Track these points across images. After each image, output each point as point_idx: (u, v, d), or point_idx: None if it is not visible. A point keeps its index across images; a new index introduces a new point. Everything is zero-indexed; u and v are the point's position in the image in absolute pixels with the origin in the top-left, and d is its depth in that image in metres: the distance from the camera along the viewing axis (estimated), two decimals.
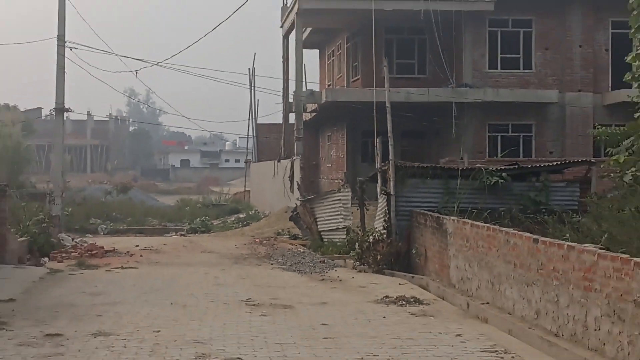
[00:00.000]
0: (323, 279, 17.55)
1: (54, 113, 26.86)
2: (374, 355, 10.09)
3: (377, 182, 20.77)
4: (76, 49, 26.10)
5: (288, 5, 37.55)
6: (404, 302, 14.19)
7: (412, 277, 17.66)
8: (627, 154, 18.68)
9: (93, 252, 21.45)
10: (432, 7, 31.28)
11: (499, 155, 31.78)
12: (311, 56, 45.47)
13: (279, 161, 37.06)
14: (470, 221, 15.47)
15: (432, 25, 31.10)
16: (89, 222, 35.19)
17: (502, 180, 18.90)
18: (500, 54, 33.35)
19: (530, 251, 12.45)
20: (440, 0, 31.91)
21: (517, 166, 19.75)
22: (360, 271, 18.74)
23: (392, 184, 19.02)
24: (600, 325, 10.26)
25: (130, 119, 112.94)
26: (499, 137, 33.10)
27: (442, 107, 32.30)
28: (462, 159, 29.40)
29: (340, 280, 17.35)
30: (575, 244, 11.28)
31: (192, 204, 44.87)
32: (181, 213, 40.70)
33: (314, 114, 38.66)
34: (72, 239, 24.27)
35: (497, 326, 12.68)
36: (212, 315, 12.93)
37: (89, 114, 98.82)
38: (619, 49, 33.30)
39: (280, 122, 42.20)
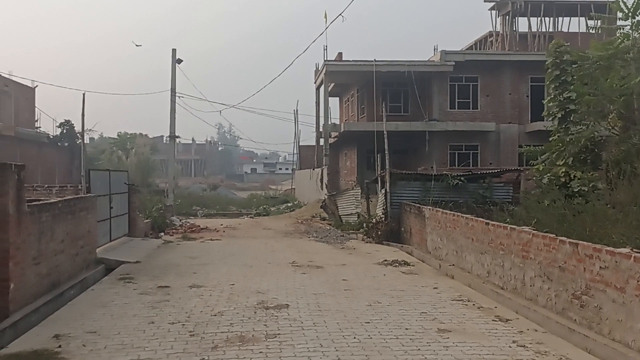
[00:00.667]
0: (343, 248, 16.78)
1: (168, 139, 26.28)
2: (379, 303, 9.39)
3: (378, 183, 20.00)
4: (183, 97, 25.72)
5: (319, 68, 37.13)
6: (397, 264, 13.44)
7: (402, 246, 16.87)
8: (543, 164, 17.95)
9: (193, 229, 20.85)
10: (413, 69, 31.00)
11: (457, 165, 31.31)
12: (333, 102, 44.88)
13: (313, 169, 36.45)
14: (441, 210, 14.67)
15: (412, 80, 30.81)
16: (191, 208, 34.64)
17: (460, 182, 18.08)
18: (457, 99, 32.45)
19: (483, 230, 11.64)
20: (417, 65, 31.64)
21: (470, 172, 18.90)
22: (367, 242, 17.96)
23: (388, 184, 18.25)
24: (534, 282, 9.47)
25: (219, 142, 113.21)
26: (456, 153, 32.27)
27: (419, 134, 31.61)
28: (432, 167, 29.01)
29: (354, 248, 16.59)
30: (516, 226, 10.48)
31: (258, 197, 44.14)
32: (250, 203, 40.01)
33: (335, 139, 37.92)
34: (180, 220, 23.67)
35: (461, 281, 11.90)
36: (269, 273, 12.26)
37: (192, 139, 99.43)
38: (535, 95, 32.47)
39: (314, 144, 42.04)
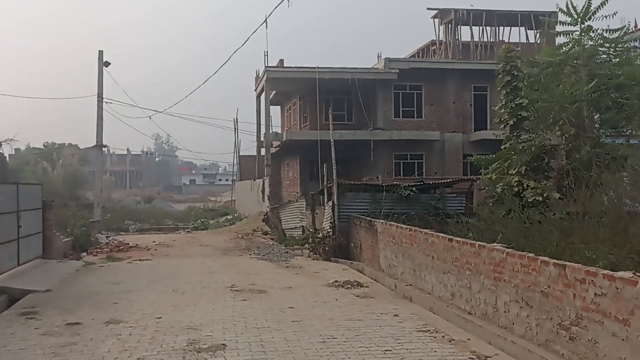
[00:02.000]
0: (287, 266, 15.20)
1: (95, 148, 24.03)
2: (334, 338, 7.86)
3: (324, 195, 18.62)
4: (111, 103, 23.53)
5: (259, 75, 35.59)
6: (349, 286, 11.98)
7: (351, 263, 15.48)
8: (494, 173, 17.14)
9: (120, 247, 18.67)
10: (356, 77, 30.02)
11: (402, 175, 30.52)
12: (275, 111, 43.33)
13: (254, 180, 34.75)
14: (395, 223, 13.38)
15: (357, 88, 29.83)
16: (124, 223, 32.17)
17: (412, 192, 16.92)
18: (401, 107, 31.67)
19: (446, 247, 10.39)
20: (361, 72, 30.69)
21: (422, 182, 17.78)
22: (314, 259, 16.47)
23: (335, 196, 16.87)
24: (509, 308, 8.24)
25: (156, 153, 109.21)
26: (401, 163, 31.49)
27: (363, 143, 30.58)
28: (377, 177, 28.12)
29: (300, 267, 15.06)
30: (485, 243, 9.28)
31: (196, 209, 41.91)
32: (188, 216, 37.78)
33: (277, 149, 36.39)
34: (107, 237, 21.40)
35: (421, 304, 10.58)
36: (204, 301, 10.52)
37: (127, 150, 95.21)
38: (478, 104, 32.16)
39: (255, 154, 40.59)
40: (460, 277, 9.75)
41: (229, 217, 35.66)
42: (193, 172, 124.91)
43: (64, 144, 51.17)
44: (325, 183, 18.70)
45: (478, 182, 18.23)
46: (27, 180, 40.95)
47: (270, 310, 9.70)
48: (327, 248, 16.22)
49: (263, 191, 30.98)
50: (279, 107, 42.99)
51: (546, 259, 7.45)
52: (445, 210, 17.00)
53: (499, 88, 17.65)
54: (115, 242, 20.23)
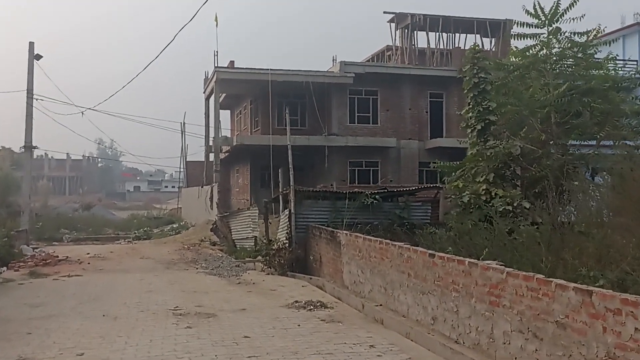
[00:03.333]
0: (239, 283, 13.41)
1: (23, 149, 21.48)
2: None
3: (279, 203, 16.98)
4: (42, 100, 21.11)
5: (209, 77, 33.66)
6: (312, 307, 10.35)
7: (310, 278, 13.87)
8: (457, 181, 16.01)
9: (47, 261, 16.28)
10: (310, 80, 28.66)
11: (357, 182, 29.27)
12: (224, 115, 41.30)
13: (202, 187, 32.66)
14: (362, 235, 11.88)
15: (311, 92, 28.44)
16: (58, 232, 29.43)
17: (376, 201, 15.51)
18: (357, 112, 30.45)
19: (426, 264, 8.94)
20: (316, 75, 29.32)
21: (386, 190, 16.38)
22: (268, 274, 14.78)
23: (292, 204, 15.27)
24: (510, 339, 6.84)
25: (98, 158, 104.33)
26: (356, 170, 30.22)
27: (317, 149, 29.17)
28: (332, 185, 26.82)
29: (254, 283, 13.31)
30: (477, 260, 7.89)
31: (139, 217, 39.20)
32: (130, 224, 35.16)
33: (226, 154, 34.42)
34: (33, 249, 18.94)
35: (396, 329, 9.08)
36: (140, 330, 8.66)
37: (67, 155, 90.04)
38: (434, 111, 31.34)
39: (202, 159, 38.62)
40: (444, 299, 8.32)
41: (174, 226, 33.39)
42: (138, 178, 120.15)
43: None
44: (280, 189, 17.07)
45: (443, 190, 17.02)
46: None
47: (221, 341, 7.97)
48: (283, 261, 14.57)
49: (211, 198, 29.01)
50: (229, 111, 41.06)
51: (563, 282, 6.08)
52: (410, 219, 15.70)
53: (465, 91, 16.50)
54: (43, 254, 17.83)
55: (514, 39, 17.67)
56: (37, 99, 20.78)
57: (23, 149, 21.45)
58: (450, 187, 16.47)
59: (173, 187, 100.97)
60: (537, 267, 8.79)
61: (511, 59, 17.61)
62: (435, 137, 30.77)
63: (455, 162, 18.13)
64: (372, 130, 30.54)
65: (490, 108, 15.80)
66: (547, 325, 6.16)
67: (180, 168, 44.20)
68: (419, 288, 9.09)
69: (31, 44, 20.88)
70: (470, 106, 16.17)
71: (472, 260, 7.86)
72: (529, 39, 17.11)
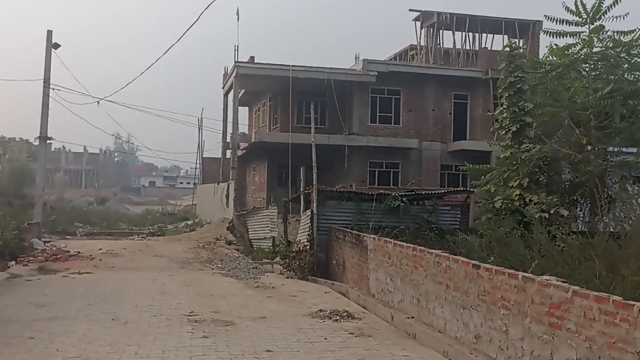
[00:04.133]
0: (258, 286, 12.50)
1: (38, 140, 20.82)
2: None
3: (299, 202, 16.11)
4: (59, 90, 20.46)
5: (228, 72, 32.92)
6: (338, 317, 9.43)
7: (333, 283, 12.97)
8: (487, 185, 15.06)
9: (57, 256, 15.50)
10: (332, 77, 27.77)
11: (377, 184, 28.40)
12: (243, 112, 40.58)
13: (218, 184, 31.91)
14: (392, 240, 10.97)
15: (332, 90, 27.57)
16: (72, 225, 28.84)
17: (403, 204, 14.58)
18: (378, 112, 29.56)
19: (468, 276, 8.00)
20: (338, 73, 28.41)
21: (414, 192, 15.42)
22: (287, 277, 13.88)
23: (314, 204, 14.39)
24: None
25: (115, 153, 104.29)
26: (376, 171, 29.33)
27: (336, 149, 28.32)
28: (351, 185, 25.94)
29: (273, 287, 12.39)
30: (534, 275, 6.95)
31: (154, 213, 38.53)
32: (144, 219, 34.48)
33: (244, 151, 33.70)
34: (44, 243, 18.21)
35: (431, 346, 8.16)
36: (152, 338, 7.82)
37: (84, 148, 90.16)
38: (458, 113, 30.33)
39: (219, 156, 38.06)
40: (490, 315, 7.38)
41: (189, 223, 32.68)
42: (153, 173, 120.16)
43: (14, 138, 47.11)
44: (301, 189, 16.21)
45: (474, 194, 16.05)
46: None
47: (240, 354, 7.10)
48: (303, 265, 13.69)
49: (227, 196, 28.24)
50: (247, 107, 40.34)
51: None
52: (438, 224, 14.74)
53: (500, 90, 15.47)
54: (54, 249, 17.08)
55: (551, 37, 16.67)
56: (53, 89, 20.14)
57: (38, 140, 20.76)
58: (481, 192, 15.53)
59: (188, 183, 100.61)
60: (592, 283, 7.86)
61: (548, 58, 16.61)
62: (459, 139, 29.78)
63: (484, 165, 17.21)
64: (393, 131, 29.64)
65: (527, 109, 14.79)
66: (626, 357, 5.21)
67: (196, 164, 43.52)
68: (459, 302, 8.16)
69: (49, 32, 20.24)
70: (505, 106, 15.18)
71: (527, 274, 6.91)
72: (568, 37, 16.12)
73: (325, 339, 8.08)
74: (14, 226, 16.23)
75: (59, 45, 20.41)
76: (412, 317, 9.47)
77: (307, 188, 15.39)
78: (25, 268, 13.85)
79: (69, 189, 60.96)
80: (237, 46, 28.33)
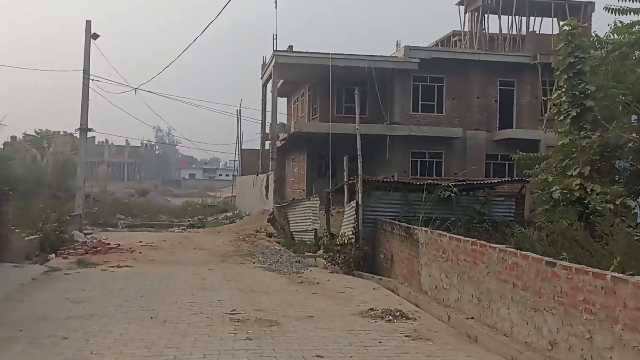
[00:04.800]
0: (302, 282, 11.77)
1: (78, 132, 20.62)
2: None
3: (343, 194, 15.34)
4: (99, 81, 20.20)
5: (266, 62, 32.33)
6: (390, 317, 8.60)
7: (380, 279, 12.15)
8: (551, 175, 13.92)
9: (97, 248, 15.16)
10: (373, 65, 26.81)
11: (419, 174, 27.36)
12: (281, 103, 39.93)
13: (257, 175, 31.39)
14: (447, 233, 10.08)
15: (373, 78, 26.60)
16: (114, 217, 28.82)
17: (453, 194, 13.62)
18: (421, 101, 28.45)
19: (540, 274, 7.06)
20: (379, 60, 27.41)
21: (465, 182, 14.41)
22: (332, 272, 13.13)
23: (359, 195, 13.57)
24: None
25: (156, 145, 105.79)
26: (419, 161, 28.23)
27: (377, 139, 27.38)
28: (393, 176, 24.89)
29: (318, 283, 11.65)
30: (625, 275, 6.01)
31: (194, 204, 38.35)
32: (185, 211, 34.29)
33: (283, 142, 33.13)
34: (85, 235, 17.97)
35: (496, 350, 7.27)
36: (192, 339, 7.16)
37: (126, 141, 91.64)
38: (504, 100, 28.97)
39: (257, 147, 37.68)
40: (569, 320, 6.45)
41: (228, 215, 32.31)
42: (193, 166, 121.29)
43: (59, 132, 47.75)
44: (345, 179, 15.42)
45: (529, 184, 14.93)
46: (15, 170, 37.72)
47: None
48: (349, 259, 12.91)
49: (267, 187, 27.67)
50: (286, 98, 39.69)
51: None
52: (491, 216, 13.74)
53: (558, 72, 14.24)
54: (94, 241, 16.79)
55: (614, 14, 15.32)
56: (92, 79, 19.85)
57: (79, 132, 20.55)
58: (537, 181, 14.44)
59: (227, 175, 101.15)
60: None
61: (612, 37, 15.29)
62: (505, 127, 28.42)
63: (535, 154, 16.08)
64: (436, 120, 28.50)
65: (588, 92, 13.57)
66: None
67: (235, 156, 43.17)
68: (530, 303, 7.24)
69: (88, 23, 19.98)
70: (563, 90, 13.99)
71: (617, 275, 5.94)
72: (632, 14, 14.78)
73: (380, 342, 7.29)
74: (55, 218, 15.95)
75: (98, 36, 20.13)
76: (472, 318, 8.59)
77: (351, 178, 14.61)
78: (64, 261, 13.50)
79: (111, 181, 61.71)
80: (276, 35, 27.78)
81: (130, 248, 15.86)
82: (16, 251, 12.62)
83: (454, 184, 13.99)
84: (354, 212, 13.67)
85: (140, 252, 15.30)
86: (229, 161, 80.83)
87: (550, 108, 14.72)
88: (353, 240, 13.32)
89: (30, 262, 12.92)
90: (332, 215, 16.57)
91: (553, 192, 13.02)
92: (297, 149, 33.34)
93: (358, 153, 14.72)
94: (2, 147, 44.51)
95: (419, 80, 28.25)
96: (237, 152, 41.70)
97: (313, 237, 16.82)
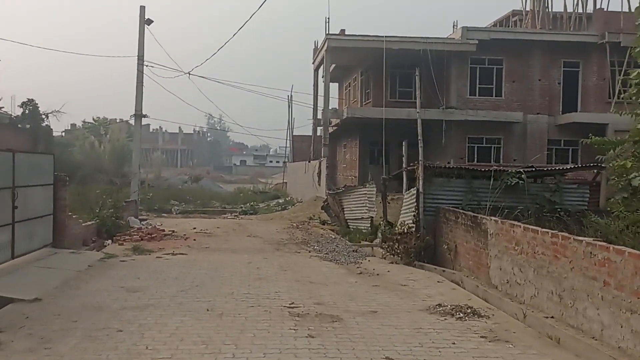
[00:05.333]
0: (361, 272, 11.14)
1: (133, 118, 20.55)
2: None
3: (401, 180, 14.58)
4: (153, 67, 20.03)
5: (318, 47, 31.65)
6: (461, 314, 7.89)
7: (443, 271, 11.38)
8: (630, 160, 12.72)
9: (152, 235, 14.95)
10: (428, 48, 25.71)
11: (476, 161, 26.17)
12: (332, 88, 39.21)
13: (309, 161, 30.85)
14: (521, 224, 9.22)
15: (428, 61, 25.48)
16: (168, 203, 28.91)
17: (521, 181, 12.64)
18: (478, 84, 27.16)
19: (639, 272, 6.25)
20: (435, 42, 26.27)
21: (533, 168, 13.36)
22: (391, 262, 12.45)
23: (420, 182, 12.79)
24: None
25: (208, 133, 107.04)
26: (476, 147, 27.00)
27: (431, 124, 26.34)
28: (449, 162, 23.84)
29: (378, 274, 10.98)
30: None
31: (245, 191, 38.21)
32: (237, 198, 34.13)
33: (334, 129, 32.45)
34: (140, 221, 17.91)
35: (585, 355, 6.48)
36: (251, 335, 6.67)
37: (179, 129, 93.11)
38: (568, 82, 27.32)
39: (308, 133, 37.45)
40: None
41: (280, 201, 32.00)
42: (244, 152, 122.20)
43: (115, 119, 48.65)
44: (404, 165, 14.65)
45: (605, 170, 13.75)
46: (74, 156, 38.61)
47: None
48: (409, 249, 12.19)
49: (319, 174, 27.12)
50: (337, 84, 38.95)
51: None
52: (563, 205, 12.70)
53: (637, 49, 12.98)
54: (150, 227, 16.67)
55: None
56: (147, 65, 19.70)
57: (133, 118, 20.50)
58: (613, 168, 13.27)
59: (277, 162, 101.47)
60: None
61: None
62: (569, 111, 26.81)
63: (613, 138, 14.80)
64: (494, 104, 27.17)
65: None
66: None
67: (286, 142, 42.85)
68: (625, 304, 6.37)
69: (142, 8, 19.80)
70: None
71: None
72: None
73: (453, 343, 6.60)
74: (111, 204, 15.90)
75: (152, 21, 19.94)
76: (552, 317, 7.76)
77: (410, 164, 13.81)
78: (120, 247, 13.35)
79: (165, 167, 62.68)
80: (328, 18, 26.97)
81: (185, 235, 15.65)
82: (74, 237, 12.52)
83: (521, 169, 12.99)
84: (414, 200, 12.91)
85: (194, 239, 15.05)
86: (280, 148, 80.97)
87: (622, 90, 13.43)
88: (413, 229, 12.58)
89: (87, 248, 12.83)
90: (388, 203, 15.84)
91: (632, 179, 11.89)
92: (349, 135, 32.62)
93: (419, 138, 13.90)
94: (63, 134, 45.88)
95: (476, 62, 26.97)
96: (288, 138, 41.35)
97: (369, 225, 16.16)
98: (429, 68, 25.90)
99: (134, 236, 14.64)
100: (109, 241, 14.07)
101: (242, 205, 29.43)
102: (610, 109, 26.07)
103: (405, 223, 12.91)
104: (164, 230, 15.92)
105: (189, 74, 21.36)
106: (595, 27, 26.50)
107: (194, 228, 17.26)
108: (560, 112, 27.14)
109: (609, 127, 25.38)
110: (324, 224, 19.56)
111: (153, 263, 11.46)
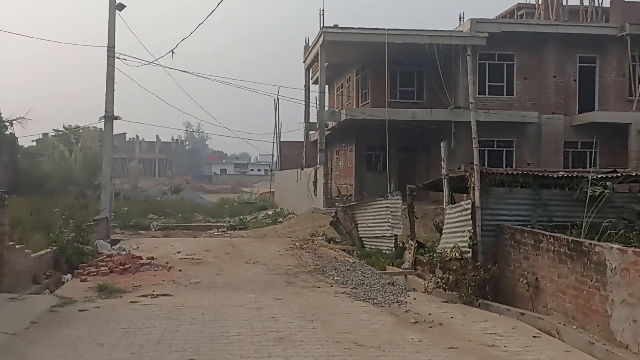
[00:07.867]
0: (416, 321, 7.80)
1: (103, 120, 17.00)
2: None
3: (444, 191, 11.45)
4: (125, 59, 16.59)
5: (310, 44, 28.54)
6: None
7: (522, 314, 8.25)
8: None
9: (126, 265, 11.29)
10: (434, 42, 22.87)
11: (486, 165, 23.23)
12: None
13: (301, 169, 27.59)
14: None
15: (435, 56, 22.64)
16: (146, 217, 25.38)
17: (607, 191, 9.60)
18: (488, 82, 24.44)
19: None
20: (442, 36, 23.41)
21: (617, 174, 10.36)
22: (444, 300, 9.25)
23: (476, 193, 9.68)
24: None
25: (187, 142, 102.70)
26: (486, 151, 24.05)
27: (435, 125, 23.54)
28: (459, 168, 20.72)
29: (440, 324, 7.73)
30: None
31: (230, 202, 34.62)
32: (222, 210, 30.65)
33: (327, 133, 29.39)
34: (111, 245, 14.36)
35: None
36: None
37: (157, 137, 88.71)
38: (584, 79, 24.73)
39: (296, 140, 34.19)
40: None
41: (269, 213, 28.63)
42: (223, 161, 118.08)
43: (88, 126, 44.63)
44: (443, 171, 11.55)
45: None
46: (42, 167, 34.78)
47: None
48: (467, 281, 9.04)
49: (315, 183, 23.91)
50: (327, 86, 35.86)
51: None
52: None
53: None
54: (123, 253, 13.09)
55: None
56: (118, 57, 16.27)
57: (103, 120, 16.98)
58: None
59: (259, 170, 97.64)
60: None
61: None
62: (586, 110, 24.18)
63: None
64: (506, 103, 24.45)
65: None
66: None
67: (273, 149, 39.44)
68: None
69: None
70: None
71: None
72: None
73: None
74: (74, 225, 12.38)
75: (124, 6, 16.53)
76: None
77: (458, 169, 10.72)
78: (82, 285, 9.81)
79: (142, 177, 58.75)
80: (323, 10, 23.87)
81: (167, 263, 12.11)
82: (17, 274, 9.05)
83: (603, 175, 9.96)
84: (466, 217, 9.80)
85: (180, 270, 11.45)
86: (260, 155, 77.17)
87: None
88: (469, 254, 9.45)
89: (37, 288, 9.38)
90: (416, 219, 12.72)
91: None
92: (343, 140, 29.62)
93: (473, 137, 10.84)
94: (35, 143, 41.80)
95: (485, 58, 24.22)
96: (275, 143, 38.02)
97: (393, 245, 13.01)
98: (436, 65, 23.06)
99: (102, 268, 11.04)
100: (69, 276, 10.55)
101: (230, 219, 25.99)
102: (633, 107, 23.54)
103: (458, 246, 9.75)
104: (140, 258, 12.36)
105: (173, 52, 17.74)
106: (614, 18, 23.98)
107: (178, 252, 13.73)
108: (576, 111, 24.57)
109: (631, 127, 22.88)
110: (329, 242, 16.33)
111: (125, 314, 7.96)
